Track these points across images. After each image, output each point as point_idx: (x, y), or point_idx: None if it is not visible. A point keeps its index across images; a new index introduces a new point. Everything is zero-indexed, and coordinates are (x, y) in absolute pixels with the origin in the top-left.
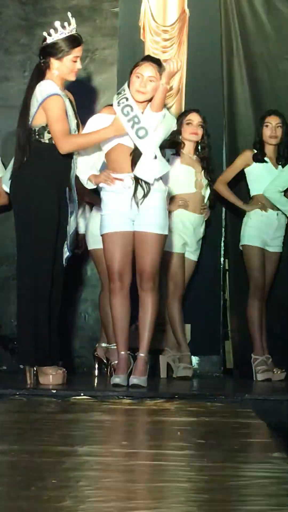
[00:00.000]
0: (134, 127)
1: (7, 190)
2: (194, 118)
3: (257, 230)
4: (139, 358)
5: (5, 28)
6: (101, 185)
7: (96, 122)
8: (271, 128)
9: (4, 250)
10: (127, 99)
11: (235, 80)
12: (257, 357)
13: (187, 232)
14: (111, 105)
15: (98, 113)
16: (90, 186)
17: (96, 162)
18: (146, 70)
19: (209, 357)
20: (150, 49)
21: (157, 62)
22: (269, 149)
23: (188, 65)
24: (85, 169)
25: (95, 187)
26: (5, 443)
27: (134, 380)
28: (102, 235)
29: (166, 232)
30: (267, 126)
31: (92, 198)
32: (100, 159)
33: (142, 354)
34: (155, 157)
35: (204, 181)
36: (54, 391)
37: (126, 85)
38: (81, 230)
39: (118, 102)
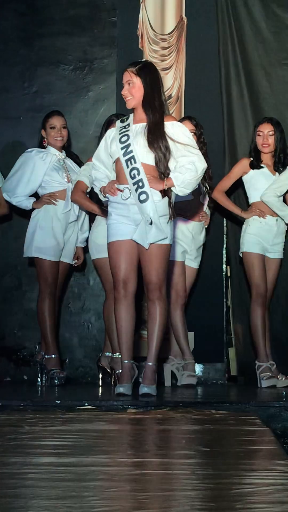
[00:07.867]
0: (137, 190)
1: (8, 199)
2: (186, 125)
3: (256, 237)
4: (148, 367)
5: (3, 39)
6: (107, 195)
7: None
8: (263, 136)
9: (6, 261)
10: (134, 161)
11: (233, 86)
12: (261, 364)
13: (186, 240)
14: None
15: (110, 128)
16: (102, 197)
17: (109, 175)
18: (124, 77)
19: (213, 365)
20: (149, 58)
21: (133, 64)
22: (265, 157)
23: (187, 73)
24: (98, 181)
25: (106, 198)
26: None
27: (144, 389)
28: (107, 244)
29: (170, 242)
30: (259, 135)
31: (100, 210)
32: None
33: (150, 363)
34: (151, 223)
35: (202, 188)
36: (58, 402)
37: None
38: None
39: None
